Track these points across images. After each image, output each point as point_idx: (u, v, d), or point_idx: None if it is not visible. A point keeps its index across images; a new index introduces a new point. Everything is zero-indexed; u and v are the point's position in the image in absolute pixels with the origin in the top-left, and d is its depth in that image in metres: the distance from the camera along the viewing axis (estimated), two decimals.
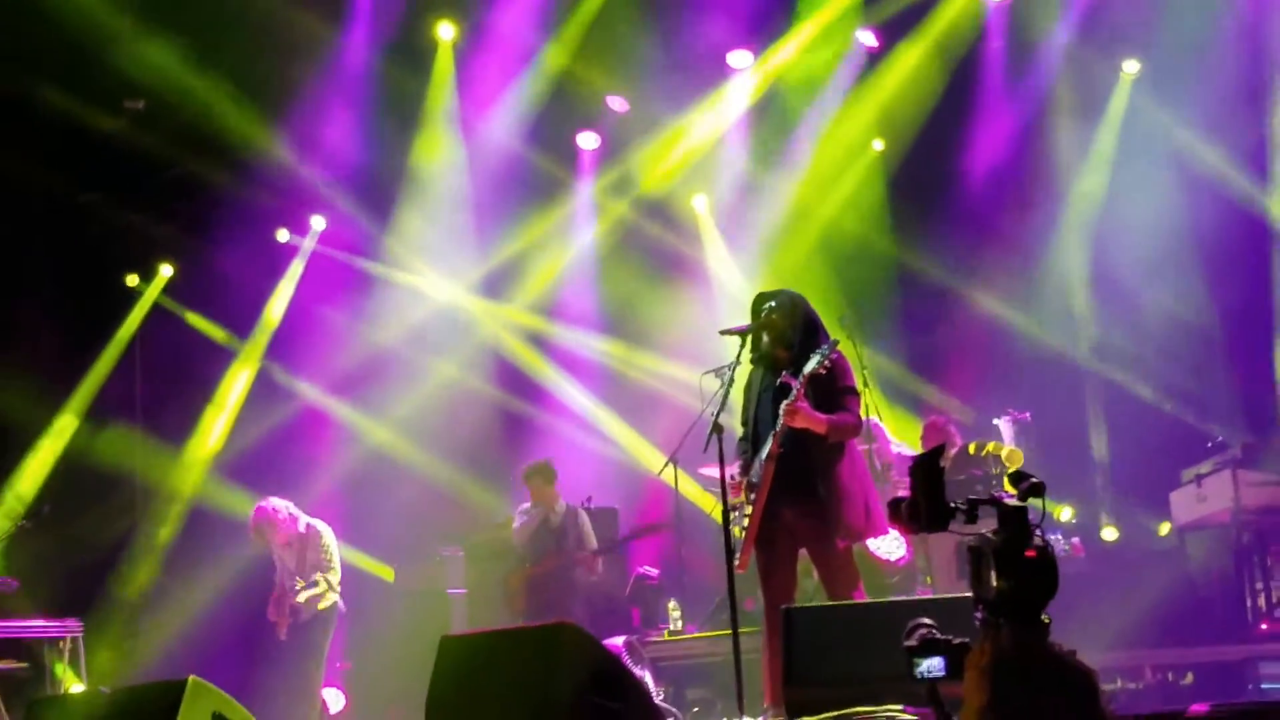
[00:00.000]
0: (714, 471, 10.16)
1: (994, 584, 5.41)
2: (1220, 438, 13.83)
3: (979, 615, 5.49)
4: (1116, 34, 15.26)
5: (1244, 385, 14.94)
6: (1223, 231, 14.66)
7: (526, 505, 13.83)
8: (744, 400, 9.16)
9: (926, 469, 5.70)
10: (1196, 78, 14.51)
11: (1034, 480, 5.58)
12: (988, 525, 5.58)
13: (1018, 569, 5.37)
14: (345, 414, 16.96)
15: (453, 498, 16.44)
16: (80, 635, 13.37)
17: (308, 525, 12.64)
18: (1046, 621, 5.37)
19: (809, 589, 10.84)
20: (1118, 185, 15.58)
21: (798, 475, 8.61)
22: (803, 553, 9.00)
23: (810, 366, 8.51)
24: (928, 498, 5.67)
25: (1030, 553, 5.38)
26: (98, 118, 15.21)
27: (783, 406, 8.48)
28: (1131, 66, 15.58)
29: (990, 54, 15.65)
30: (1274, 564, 12.51)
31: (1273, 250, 14.80)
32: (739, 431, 9.25)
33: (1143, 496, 14.74)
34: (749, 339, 8.98)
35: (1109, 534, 15.06)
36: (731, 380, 8.99)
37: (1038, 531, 5.44)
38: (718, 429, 8.60)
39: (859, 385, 11.37)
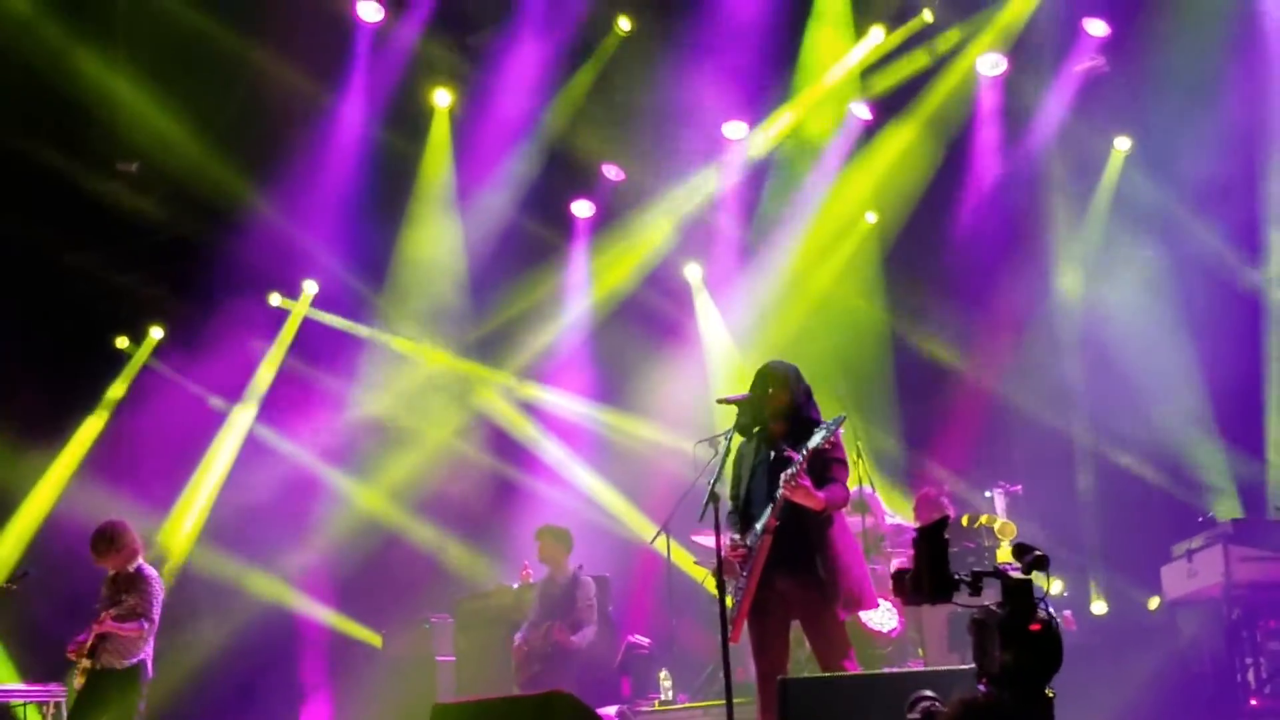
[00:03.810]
0: (706, 539, 10.14)
1: (998, 657, 5.39)
2: (1211, 513, 13.83)
3: (982, 688, 5.47)
4: (1108, 110, 15.35)
5: (1235, 460, 14.92)
6: (1214, 307, 14.72)
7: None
8: (734, 473, 9.11)
9: (931, 540, 5.69)
10: (1188, 155, 14.58)
11: (1038, 553, 5.56)
12: (973, 597, 5.57)
13: (1022, 642, 5.35)
14: (335, 479, 16.91)
15: (442, 564, 16.40)
16: (63, 700, 13.28)
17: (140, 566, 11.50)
18: (1050, 695, 5.34)
19: (800, 659, 10.80)
20: (1110, 259, 15.63)
21: (795, 548, 8.56)
22: (794, 624, 8.94)
23: (815, 442, 8.48)
24: (931, 569, 5.65)
25: (1035, 626, 5.36)
26: (91, 179, 15.22)
27: (784, 479, 8.44)
28: (1123, 143, 15.66)
29: (983, 128, 15.73)
30: (1265, 640, 12.43)
31: (1263, 326, 14.83)
32: (728, 503, 9.17)
33: (1133, 571, 14.70)
34: (744, 409, 8.95)
35: (1099, 608, 15.04)
36: (728, 449, 8.97)
37: (1042, 605, 5.42)
38: (714, 498, 8.55)
39: (853, 457, 11.45)
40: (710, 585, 8.84)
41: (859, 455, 12.26)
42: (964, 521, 12.71)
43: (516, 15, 14.72)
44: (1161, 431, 15.17)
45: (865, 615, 11.75)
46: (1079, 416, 15.95)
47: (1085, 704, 10.73)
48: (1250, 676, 12.35)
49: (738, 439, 9.03)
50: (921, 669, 11.00)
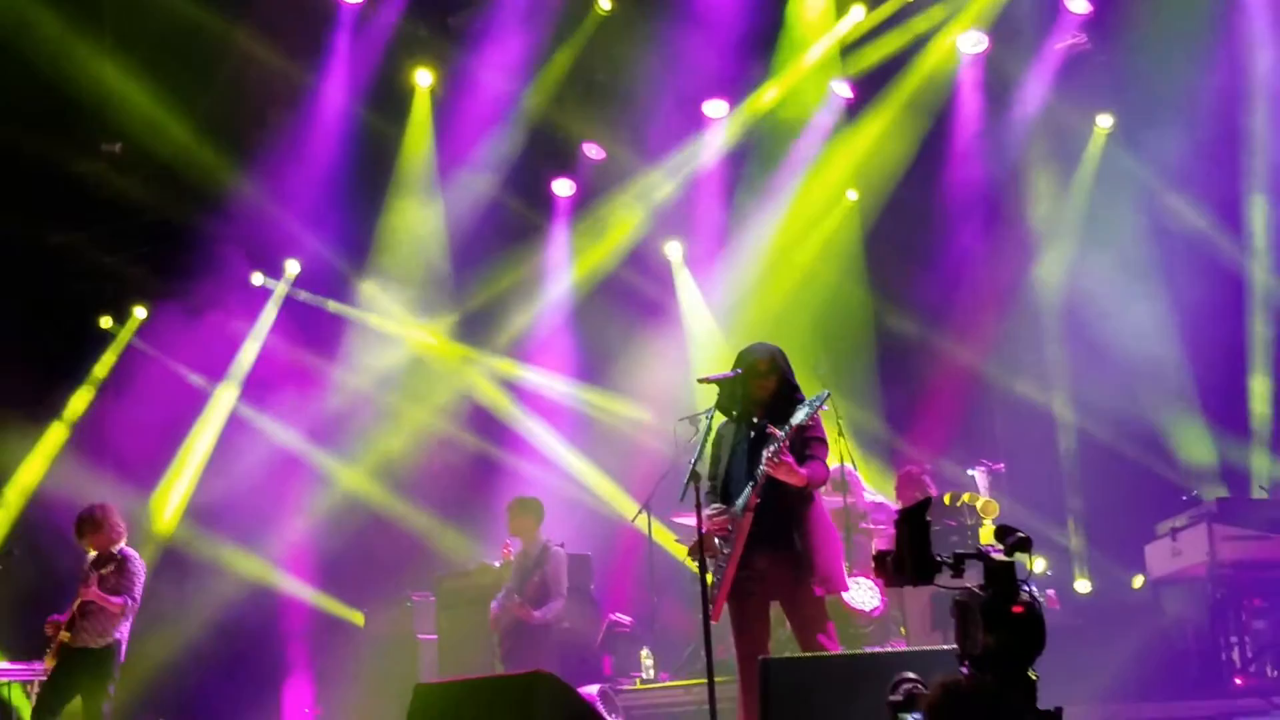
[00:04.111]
0: (687, 520, 10.13)
1: (980, 639, 5.39)
2: (1195, 491, 13.84)
3: (965, 670, 5.46)
4: (1090, 87, 15.32)
5: (1219, 438, 14.93)
6: (1197, 283, 14.69)
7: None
8: (714, 453, 9.06)
9: (913, 521, 5.68)
10: (1171, 132, 14.56)
11: (1021, 535, 5.55)
12: (955, 578, 5.58)
13: (1005, 624, 5.35)
14: (317, 458, 16.91)
15: (424, 543, 16.40)
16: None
17: (122, 549, 11.52)
18: (1034, 678, 5.34)
19: (782, 638, 10.81)
20: (1092, 236, 15.61)
21: (775, 525, 8.57)
22: (774, 604, 8.95)
23: (800, 418, 8.50)
24: (914, 550, 5.65)
25: (1018, 608, 5.36)
26: (75, 160, 15.19)
27: (766, 455, 8.45)
28: (1105, 120, 15.65)
29: (965, 106, 15.69)
30: (1249, 618, 12.45)
31: (1246, 301, 14.84)
32: (707, 483, 9.11)
33: (1117, 549, 14.71)
34: (725, 389, 8.93)
35: (1082, 586, 15.05)
36: (709, 429, 8.98)
37: (1025, 586, 5.42)
38: (695, 477, 8.53)
39: (834, 434, 11.47)
40: (691, 564, 8.83)
41: (840, 433, 12.27)
42: (946, 500, 12.70)
43: None
44: (1145, 409, 15.16)
45: (847, 594, 11.77)
46: (1062, 394, 15.95)
47: (1069, 683, 10.69)
48: (1235, 655, 12.37)
49: (719, 418, 9.03)
50: (903, 649, 11.01)
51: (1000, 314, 15.92)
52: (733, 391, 8.88)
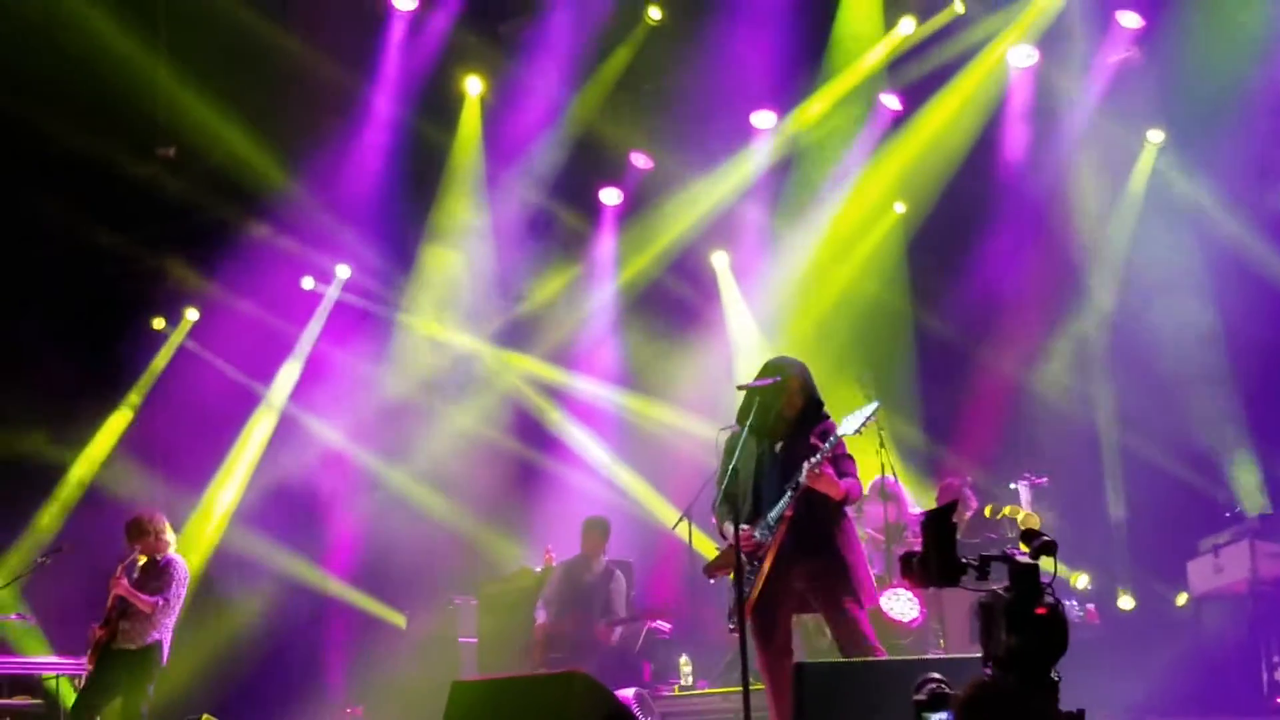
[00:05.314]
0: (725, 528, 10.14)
1: (1004, 640, 5.41)
2: (1239, 507, 13.76)
3: (988, 672, 5.49)
4: (1141, 102, 15.25)
5: (1263, 454, 14.83)
6: (1245, 299, 14.61)
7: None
8: (732, 462, 8.87)
9: (938, 524, 5.72)
10: (1221, 147, 14.49)
11: (1046, 539, 5.58)
12: (980, 581, 5.60)
13: (1028, 626, 5.37)
14: (364, 460, 17.02)
15: (467, 546, 16.48)
16: None
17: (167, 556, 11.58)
18: (1056, 679, 5.36)
19: (823, 647, 10.82)
20: (1140, 251, 15.53)
21: (812, 537, 8.60)
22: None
23: (850, 429, 8.52)
24: (939, 552, 5.68)
25: (1041, 610, 5.38)
26: (129, 163, 15.36)
27: (807, 466, 8.46)
28: (1156, 135, 15.56)
29: (1014, 119, 15.65)
30: None
31: None
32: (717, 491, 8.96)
33: (1160, 565, 14.63)
34: (755, 401, 8.90)
35: (1125, 602, 14.96)
36: (739, 440, 8.92)
37: (1049, 589, 5.44)
38: (727, 491, 8.59)
39: (875, 446, 11.47)
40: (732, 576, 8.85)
41: (881, 444, 12.25)
42: (987, 512, 12.67)
43: (548, 3, 14.79)
44: (1190, 423, 15.07)
45: (886, 604, 11.79)
46: (1107, 408, 15.87)
47: (1109, 697, 10.73)
48: (1277, 674, 12.30)
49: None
50: (937, 657, 11.00)
51: (1046, 327, 15.86)
52: (765, 402, 8.88)
